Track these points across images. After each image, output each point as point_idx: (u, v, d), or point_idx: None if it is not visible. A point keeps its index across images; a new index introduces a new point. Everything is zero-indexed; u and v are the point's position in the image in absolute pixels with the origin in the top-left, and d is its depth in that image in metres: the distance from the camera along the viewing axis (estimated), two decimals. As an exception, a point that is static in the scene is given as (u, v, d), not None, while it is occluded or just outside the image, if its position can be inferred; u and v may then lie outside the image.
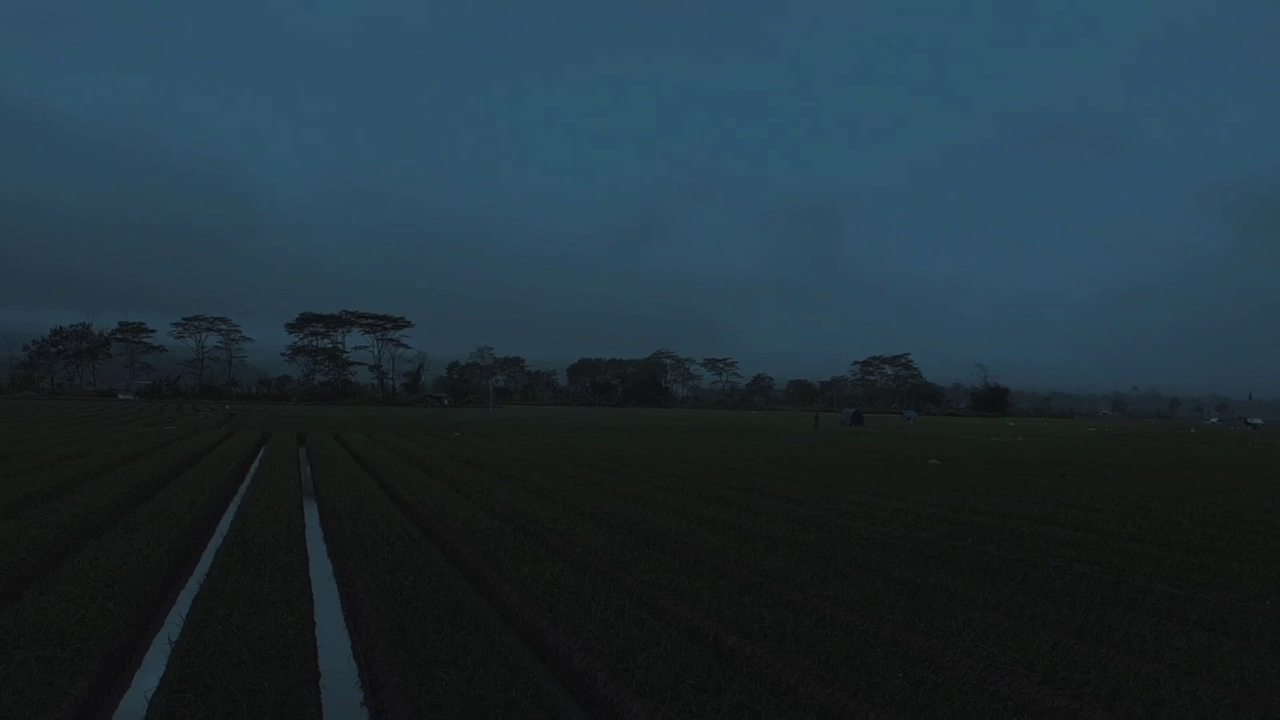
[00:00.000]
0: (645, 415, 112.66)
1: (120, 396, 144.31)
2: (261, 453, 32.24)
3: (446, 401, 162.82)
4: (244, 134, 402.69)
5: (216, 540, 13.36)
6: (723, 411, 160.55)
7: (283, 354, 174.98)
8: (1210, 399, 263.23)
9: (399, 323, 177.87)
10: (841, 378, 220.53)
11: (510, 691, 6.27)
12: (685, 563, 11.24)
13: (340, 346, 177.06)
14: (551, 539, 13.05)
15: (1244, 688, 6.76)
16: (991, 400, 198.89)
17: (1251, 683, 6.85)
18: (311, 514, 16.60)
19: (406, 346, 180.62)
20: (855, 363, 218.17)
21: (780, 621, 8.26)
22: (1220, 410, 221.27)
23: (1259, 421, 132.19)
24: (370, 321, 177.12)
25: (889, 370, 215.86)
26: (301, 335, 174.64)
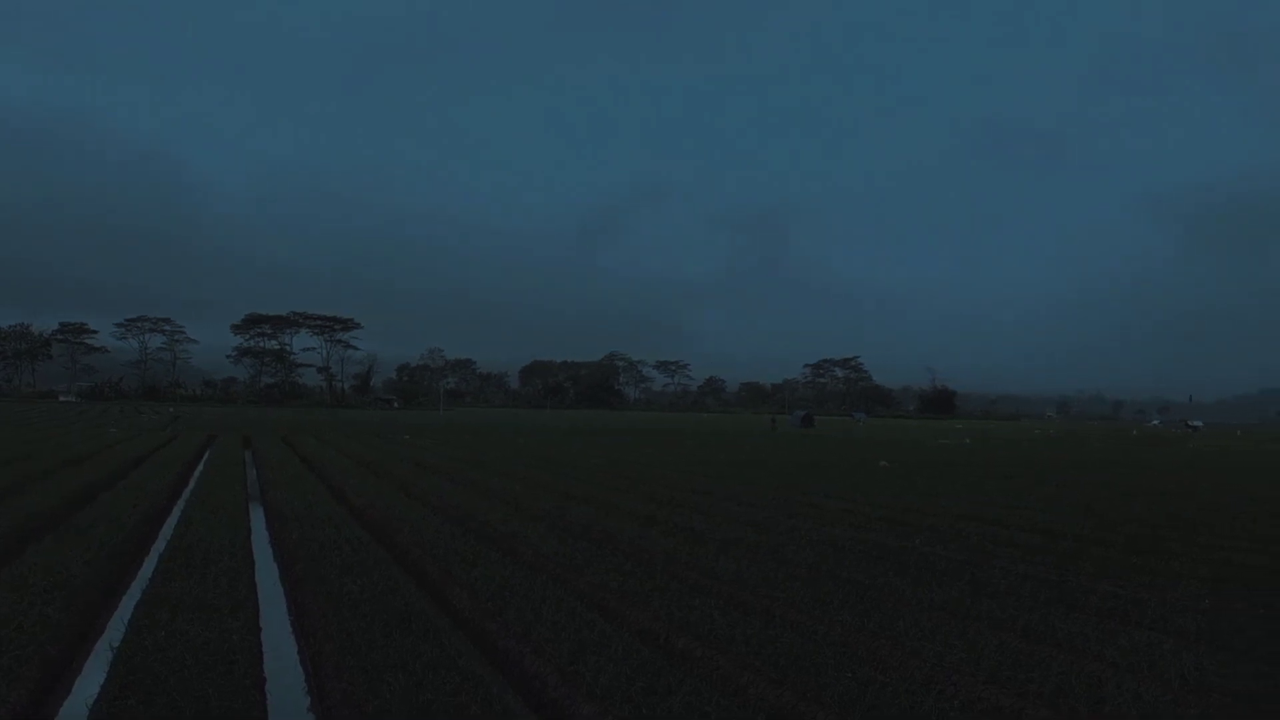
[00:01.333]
0: (597, 418, 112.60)
1: (61, 398, 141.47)
2: (206, 456, 31.73)
3: (396, 404, 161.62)
4: (190, 130, 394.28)
5: (160, 545, 13.13)
6: (675, 414, 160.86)
7: (228, 355, 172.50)
8: (1152, 401, 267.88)
9: (348, 324, 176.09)
10: (793, 380, 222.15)
11: (460, 695, 6.23)
12: (637, 565, 11.25)
13: (288, 348, 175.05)
14: (502, 541, 12.99)
15: (1184, 685, 6.90)
16: (940, 402, 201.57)
17: (1191, 680, 7.00)
18: (258, 518, 16.37)
19: (355, 348, 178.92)
20: (806, 365, 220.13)
21: (730, 623, 8.29)
22: (1162, 413, 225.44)
23: (1199, 424, 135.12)
24: (319, 323, 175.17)
25: (839, 373, 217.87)
26: (248, 336, 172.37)
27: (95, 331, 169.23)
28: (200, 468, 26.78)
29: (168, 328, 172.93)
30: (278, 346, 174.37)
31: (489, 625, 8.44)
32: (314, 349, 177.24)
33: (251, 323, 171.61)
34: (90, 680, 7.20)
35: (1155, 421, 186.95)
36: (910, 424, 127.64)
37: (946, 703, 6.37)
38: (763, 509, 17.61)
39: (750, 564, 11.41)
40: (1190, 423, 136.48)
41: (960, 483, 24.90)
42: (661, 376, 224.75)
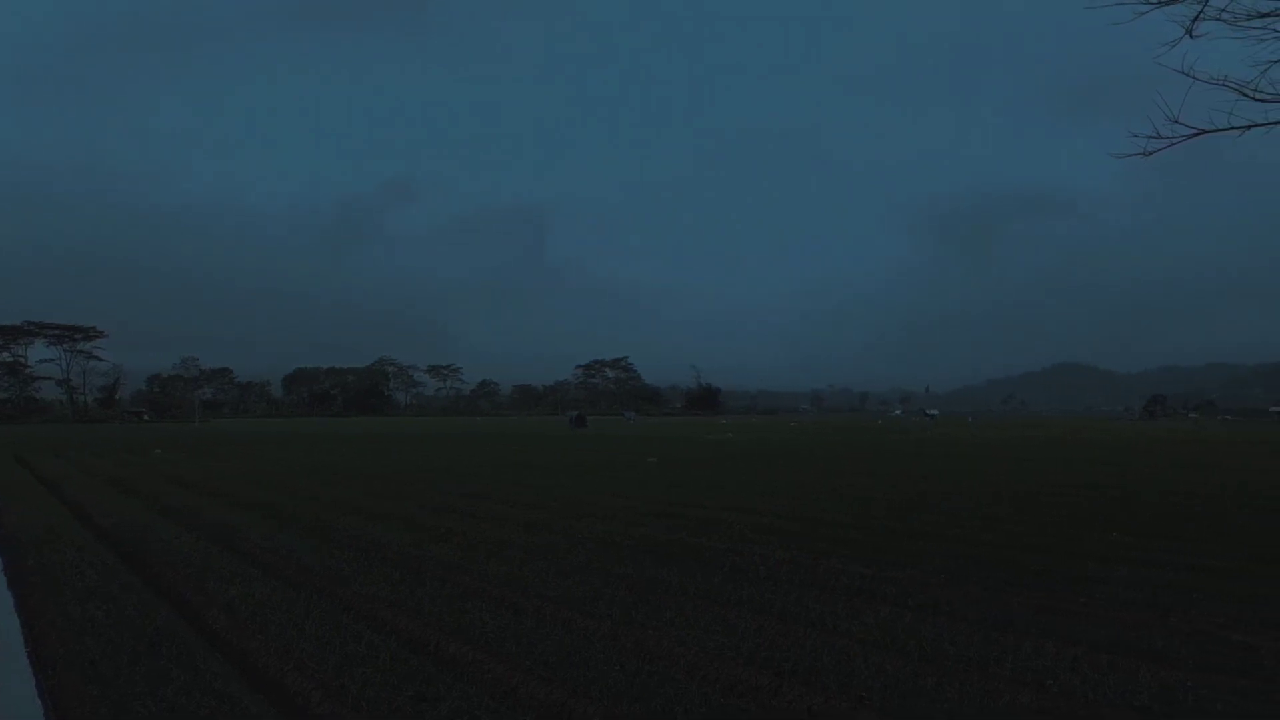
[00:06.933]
0: (367, 425, 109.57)
1: None
2: (-75, 480, 28.80)
3: (147, 417, 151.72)
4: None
5: None
6: (449, 418, 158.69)
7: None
8: (894, 393, 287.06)
9: (90, 333, 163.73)
10: (565, 381, 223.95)
11: (215, 719, 5.98)
12: (407, 573, 11.09)
13: (22, 360, 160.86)
14: (264, 557, 12.49)
15: (921, 655, 7.47)
16: (705, 400, 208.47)
17: (928, 651, 7.58)
18: (-13, 545, 15.03)
19: (100, 359, 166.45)
20: (578, 366, 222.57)
21: (502, 625, 8.33)
22: (903, 404, 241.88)
23: (935, 413, 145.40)
24: (57, 332, 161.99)
25: (610, 373, 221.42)
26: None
27: None
28: (-83, 494, 24.28)
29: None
30: (10, 359, 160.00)
31: (249, 644, 8.11)
32: (52, 360, 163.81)
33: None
34: None
35: (898, 412, 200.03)
36: (678, 421, 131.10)
37: (710, 686, 6.65)
38: (537, 510, 17.70)
39: (523, 565, 11.48)
40: (928, 412, 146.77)
41: (725, 475, 25.84)
42: (433, 381, 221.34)
